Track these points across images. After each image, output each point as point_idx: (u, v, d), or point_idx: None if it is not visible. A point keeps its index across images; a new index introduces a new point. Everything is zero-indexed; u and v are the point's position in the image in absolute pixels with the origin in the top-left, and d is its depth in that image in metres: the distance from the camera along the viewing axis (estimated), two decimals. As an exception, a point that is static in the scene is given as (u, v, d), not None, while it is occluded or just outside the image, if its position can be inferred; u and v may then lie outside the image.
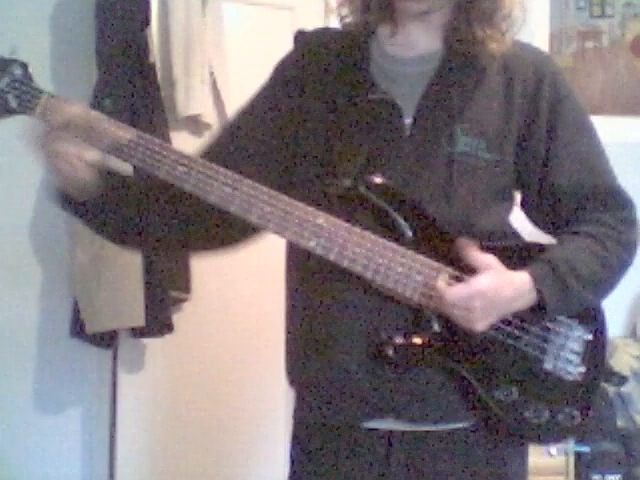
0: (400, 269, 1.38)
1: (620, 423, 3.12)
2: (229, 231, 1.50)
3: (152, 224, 1.49)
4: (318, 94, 1.49)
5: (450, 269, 1.39)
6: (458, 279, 1.38)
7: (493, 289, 1.35)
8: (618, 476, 3.06)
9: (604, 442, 3.05)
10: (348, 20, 1.53)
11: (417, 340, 1.40)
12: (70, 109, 1.34)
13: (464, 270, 1.39)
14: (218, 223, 1.47)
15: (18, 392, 2.88)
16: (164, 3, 2.91)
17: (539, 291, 1.39)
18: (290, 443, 1.56)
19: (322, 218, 1.37)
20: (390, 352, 1.39)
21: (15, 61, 1.35)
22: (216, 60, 2.98)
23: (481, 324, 1.36)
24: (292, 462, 1.56)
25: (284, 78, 1.54)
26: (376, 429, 1.44)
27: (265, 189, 1.37)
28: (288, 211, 1.37)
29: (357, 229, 1.38)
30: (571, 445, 3.00)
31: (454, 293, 1.35)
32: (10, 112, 1.36)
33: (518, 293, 1.38)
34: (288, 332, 1.54)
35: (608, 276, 1.46)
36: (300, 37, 1.57)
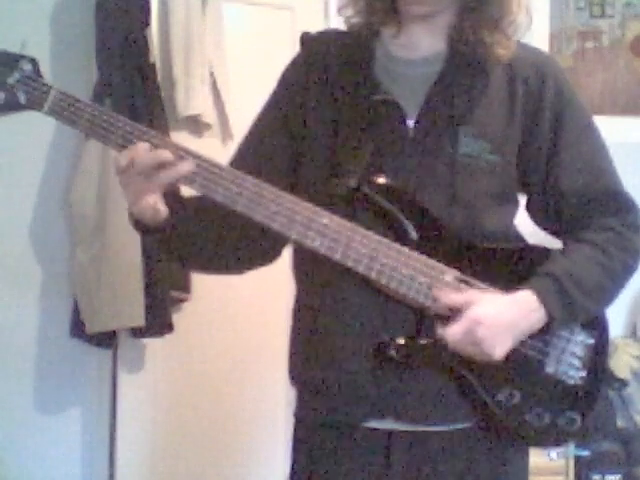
0: (404, 270, 1.38)
1: (620, 423, 3.12)
2: (268, 247, 1.52)
3: (206, 244, 1.50)
4: (323, 95, 1.50)
5: (454, 270, 1.39)
6: (463, 282, 1.38)
7: (489, 314, 1.35)
8: (618, 476, 3.05)
9: (604, 442, 3.05)
10: (353, 21, 1.53)
11: (420, 341, 1.40)
12: (136, 147, 1.34)
13: (468, 272, 1.39)
14: (259, 240, 1.48)
15: (18, 392, 2.87)
16: (164, 3, 2.91)
17: (546, 308, 1.38)
18: (291, 442, 1.56)
19: (327, 218, 1.37)
20: (393, 352, 1.39)
21: (25, 57, 1.36)
22: (216, 60, 2.98)
23: (497, 351, 1.35)
24: (292, 461, 1.56)
25: (290, 82, 1.54)
26: (376, 429, 1.45)
27: (271, 188, 1.37)
28: (293, 210, 1.37)
29: (362, 229, 1.38)
30: (571, 448, 2.99)
31: (453, 333, 1.35)
32: (19, 107, 1.36)
33: (524, 311, 1.38)
34: (292, 332, 1.54)
35: (613, 284, 1.46)
36: (306, 39, 1.57)
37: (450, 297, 1.37)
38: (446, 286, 1.38)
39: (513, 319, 1.37)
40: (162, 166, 1.34)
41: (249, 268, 1.58)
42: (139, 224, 1.41)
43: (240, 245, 1.51)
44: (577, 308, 1.41)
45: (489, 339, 1.34)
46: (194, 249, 1.50)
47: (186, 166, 1.35)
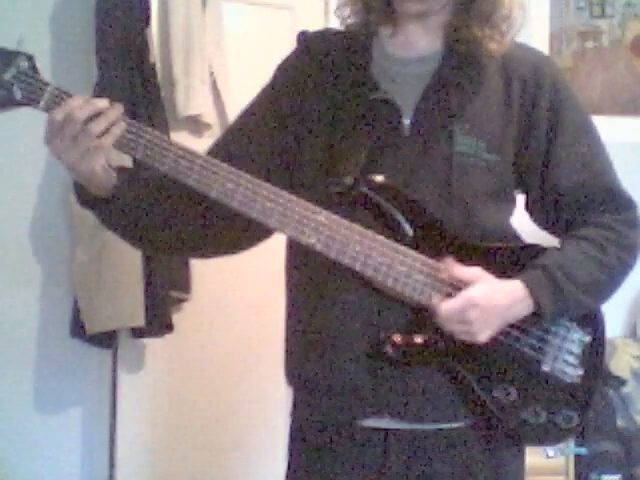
0: (400, 268, 1.38)
1: (620, 423, 3.12)
2: (238, 234, 1.51)
3: (162, 223, 1.48)
4: (319, 93, 1.50)
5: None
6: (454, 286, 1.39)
7: (485, 298, 1.36)
8: (618, 476, 3.05)
9: (604, 442, 3.05)
10: (349, 21, 1.53)
11: (416, 339, 1.40)
12: (71, 102, 1.34)
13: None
14: (227, 226, 1.47)
15: (18, 392, 2.88)
16: (164, 3, 2.91)
17: (535, 297, 1.39)
18: (288, 441, 1.56)
19: (323, 215, 1.38)
20: (389, 350, 1.39)
21: (21, 53, 1.36)
22: (216, 60, 2.98)
23: (482, 335, 1.37)
24: (289, 461, 1.57)
25: (286, 78, 1.54)
26: (374, 427, 1.45)
27: (266, 185, 1.38)
28: (289, 207, 1.37)
29: (358, 227, 1.38)
30: (570, 448, 2.99)
31: (447, 308, 1.36)
32: (15, 104, 1.36)
33: (512, 300, 1.39)
34: (287, 330, 1.54)
35: (608, 279, 1.46)
36: (302, 37, 1.57)
37: (458, 269, 1.38)
38: (442, 284, 1.38)
39: (502, 307, 1.38)
40: (98, 116, 1.33)
41: (217, 254, 1.57)
42: (83, 195, 1.42)
43: (204, 229, 1.50)
44: (568, 300, 1.41)
45: (478, 322, 1.36)
46: (142, 224, 1.48)
47: (117, 108, 1.34)
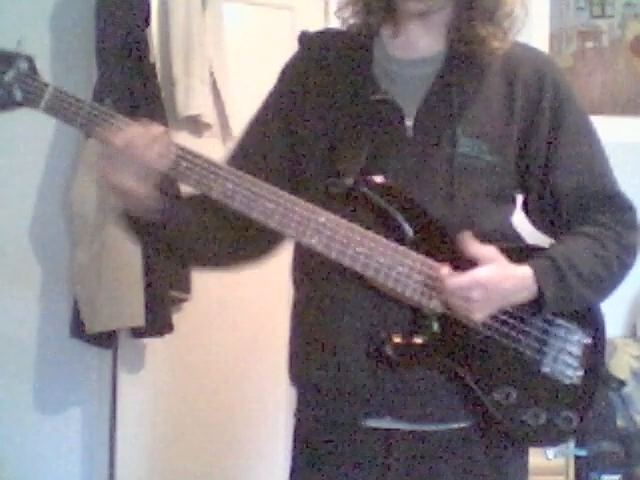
0: (401, 269, 1.38)
1: (620, 423, 3.12)
2: (266, 244, 1.53)
3: (197, 239, 1.50)
4: (321, 94, 1.50)
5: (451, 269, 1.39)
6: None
7: (493, 281, 1.36)
8: (618, 476, 3.05)
9: (604, 442, 3.05)
10: (350, 22, 1.53)
11: (416, 340, 1.40)
12: (130, 129, 1.35)
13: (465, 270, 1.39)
14: (253, 237, 1.48)
15: (18, 392, 2.88)
16: (164, 3, 2.91)
17: (539, 285, 1.39)
18: (291, 441, 1.56)
19: (324, 216, 1.38)
20: (389, 351, 1.39)
21: (21, 55, 1.36)
22: (216, 60, 2.98)
23: (478, 315, 1.37)
24: (292, 461, 1.56)
25: (289, 81, 1.54)
26: (376, 428, 1.45)
27: (268, 186, 1.38)
28: (290, 208, 1.37)
29: (359, 228, 1.38)
30: (570, 448, 2.99)
31: (454, 282, 1.35)
32: (15, 105, 1.37)
33: (519, 286, 1.39)
34: (291, 331, 1.54)
35: (608, 276, 1.46)
36: (304, 38, 1.57)
37: (475, 246, 1.37)
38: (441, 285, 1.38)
39: (507, 292, 1.38)
40: (153, 143, 1.34)
41: (242, 265, 1.58)
42: (128, 218, 1.42)
43: (234, 242, 1.51)
44: (570, 292, 1.41)
45: (480, 303, 1.35)
46: (186, 244, 1.50)
47: (167, 135, 1.35)
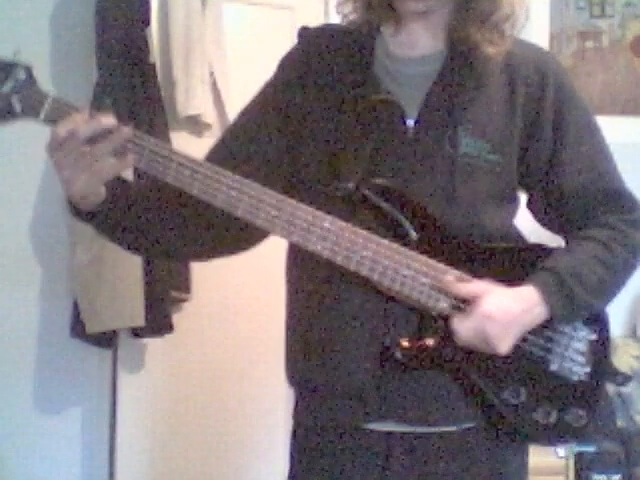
0: (406, 271, 1.37)
1: (620, 423, 3.12)
2: (236, 236, 1.49)
3: (159, 229, 1.47)
4: (321, 93, 1.48)
5: (455, 271, 1.39)
6: (464, 280, 1.38)
7: (500, 310, 1.35)
8: (618, 476, 3.05)
9: (604, 442, 3.04)
10: (351, 18, 1.51)
11: (424, 343, 1.39)
12: (74, 117, 1.30)
13: (469, 271, 1.39)
14: (226, 228, 1.46)
15: (18, 392, 2.88)
16: (164, 3, 2.91)
17: (547, 303, 1.38)
18: (290, 443, 1.55)
19: (328, 221, 1.36)
20: (399, 355, 1.38)
21: (19, 64, 1.32)
22: (216, 60, 2.98)
23: (504, 345, 1.36)
24: (292, 462, 1.55)
25: (287, 75, 1.52)
26: (376, 430, 1.44)
27: (271, 192, 1.36)
28: (294, 214, 1.36)
29: (363, 232, 1.37)
30: (575, 445, 2.99)
31: (464, 330, 1.35)
32: (14, 117, 1.32)
33: (527, 306, 1.38)
34: (288, 332, 1.53)
35: (615, 280, 1.46)
36: (304, 33, 1.55)
37: (458, 287, 1.37)
38: (448, 284, 1.38)
39: (518, 314, 1.37)
40: (103, 135, 1.29)
41: (214, 256, 1.55)
42: (77, 207, 1.40)
43: (204, 232, 1.48)
44: (579, 303, 1.41)
45: (497, 335, 1.35)
46: (138, 233, 1.47)
47: (124, 132, 1.30)
